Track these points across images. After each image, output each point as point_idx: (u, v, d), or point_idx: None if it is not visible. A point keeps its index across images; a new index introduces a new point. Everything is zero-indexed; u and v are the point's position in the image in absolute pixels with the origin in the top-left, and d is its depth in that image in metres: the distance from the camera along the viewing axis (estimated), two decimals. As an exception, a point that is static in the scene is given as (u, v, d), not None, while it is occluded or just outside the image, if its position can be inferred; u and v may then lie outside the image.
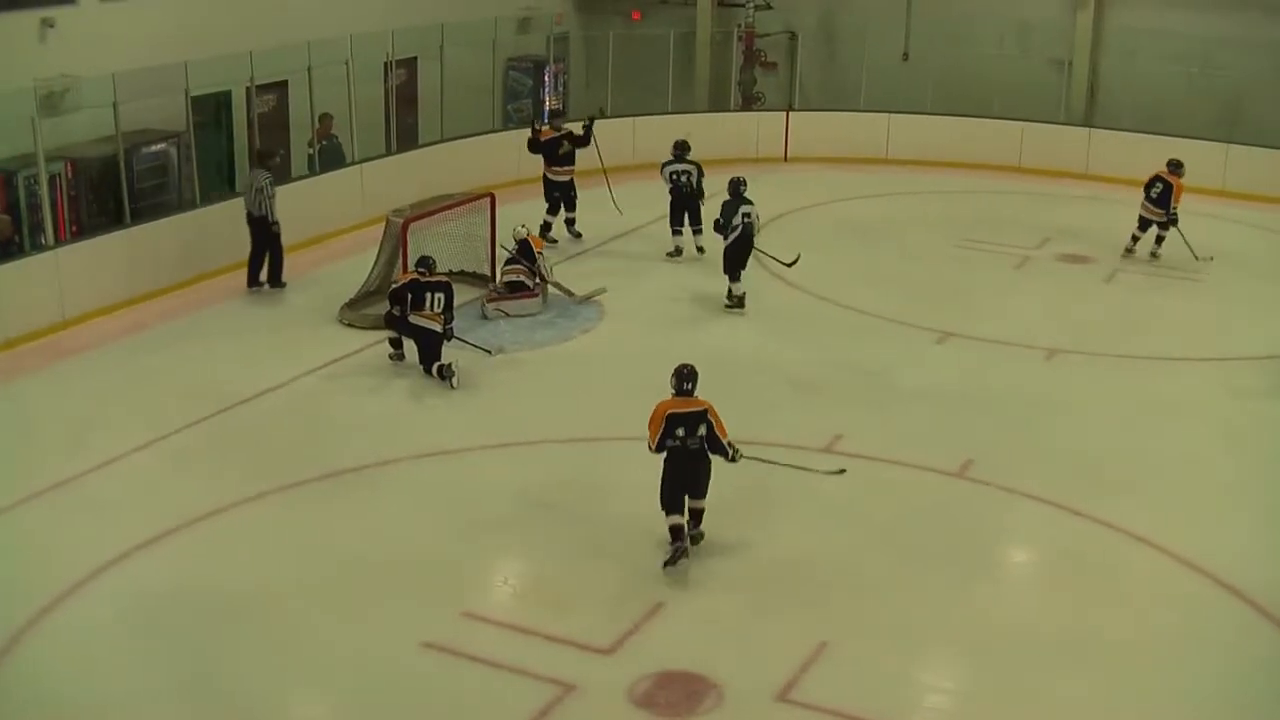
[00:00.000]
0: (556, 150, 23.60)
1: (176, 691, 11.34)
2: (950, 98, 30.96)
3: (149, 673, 11.56)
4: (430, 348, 17.68)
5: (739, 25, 32.91)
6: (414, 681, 11.50)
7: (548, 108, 30.09)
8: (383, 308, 18.89)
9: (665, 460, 13.40)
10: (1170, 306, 21.39)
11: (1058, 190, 27.88)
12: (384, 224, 20.09)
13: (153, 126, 21.91)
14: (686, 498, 13.48)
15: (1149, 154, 26.51)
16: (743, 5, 32.84)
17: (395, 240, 19.37)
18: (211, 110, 23.29)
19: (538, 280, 20.07)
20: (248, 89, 22.76)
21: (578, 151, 23.69)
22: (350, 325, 19.18)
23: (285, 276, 20.88)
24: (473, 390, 17.41)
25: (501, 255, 20.42)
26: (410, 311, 17.61)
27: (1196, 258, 22.96)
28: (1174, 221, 23.14)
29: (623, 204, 24.18)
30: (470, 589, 12.95)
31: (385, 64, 25.36)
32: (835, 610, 12.71)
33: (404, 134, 26.42)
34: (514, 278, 20.09)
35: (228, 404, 16.64)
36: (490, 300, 19.88)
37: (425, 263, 17.93)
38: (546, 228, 23.26)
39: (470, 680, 11.48)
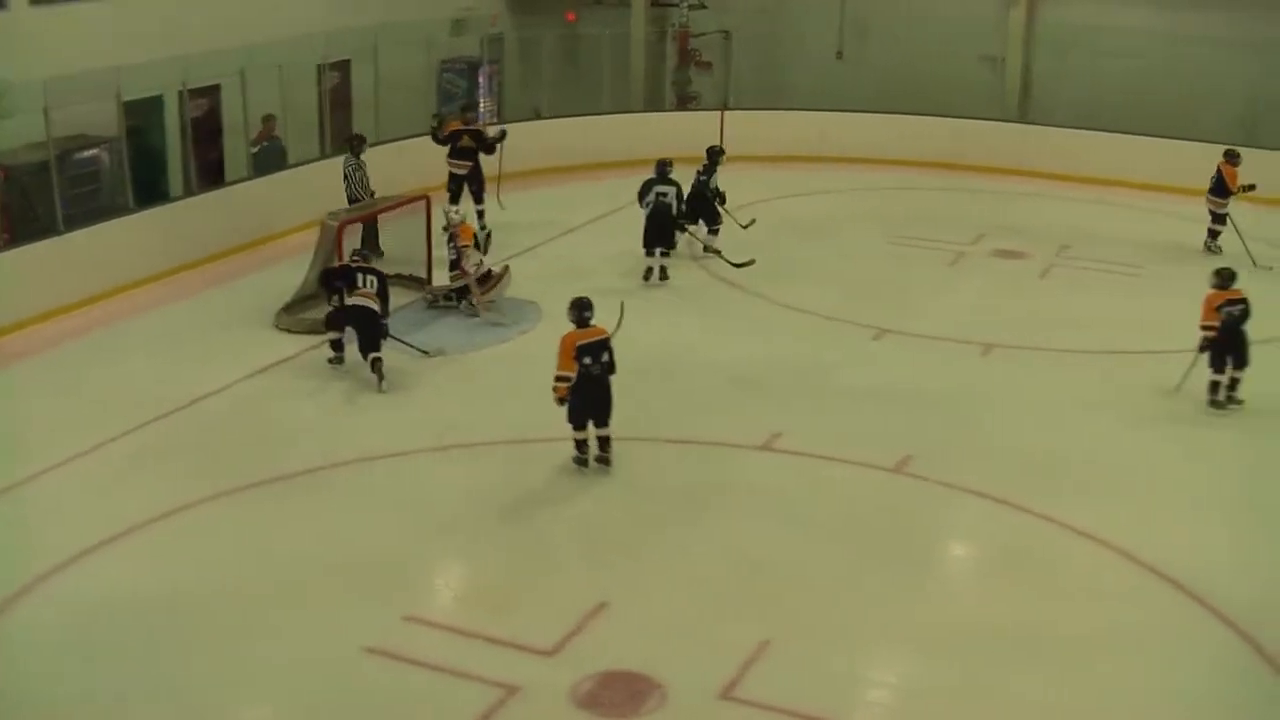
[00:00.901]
0: (456, 143, 23.71)
1: (121, 695, 11.28)
2: (885, 95, 31.06)
3: (94, 677, 11.46)
4: (369, 332, 17.62)
5: (673, 25, 32.97)
6: (357, 685, 11.44)
7: (482, 108, 30.06)
8: (320, 311, 18.83)
9: (573, 386, 14.96)
10: (1107, 301, 21.54)
11: (993, 186, 28.02)
12: (319, 227, 19.99)
13: (85, 132, 21.73)
14: (592, 424, 15.21)
15: (1084, 149, 26.78)
16: (677, 5, 32.89)
17: (331, 243, 19.26)
18: (144, 115, 23.11)
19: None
20: (181, 93, 22.60)
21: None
22: (287, 330, 19.07)
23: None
24: (413, 392, 17.37)
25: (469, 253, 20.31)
26: (346, 293, 17.62)
27: (1255, 265, 22.91)
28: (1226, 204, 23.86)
29: (559, 206, 24.20)
30: (413, 592, 12.91)
31: (319, 66, 25.25)
32: (777, 608, 12.72)
33: (338, 137, 26.30)
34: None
35: (168, 409, 16.51)
36: (480, 303, 19.88)
37: (361, 253, 18.10)
38: (479, 216, 23.31)
39: (413, 684, 11.43)
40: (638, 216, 22.32)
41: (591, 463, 15.41)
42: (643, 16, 32.72)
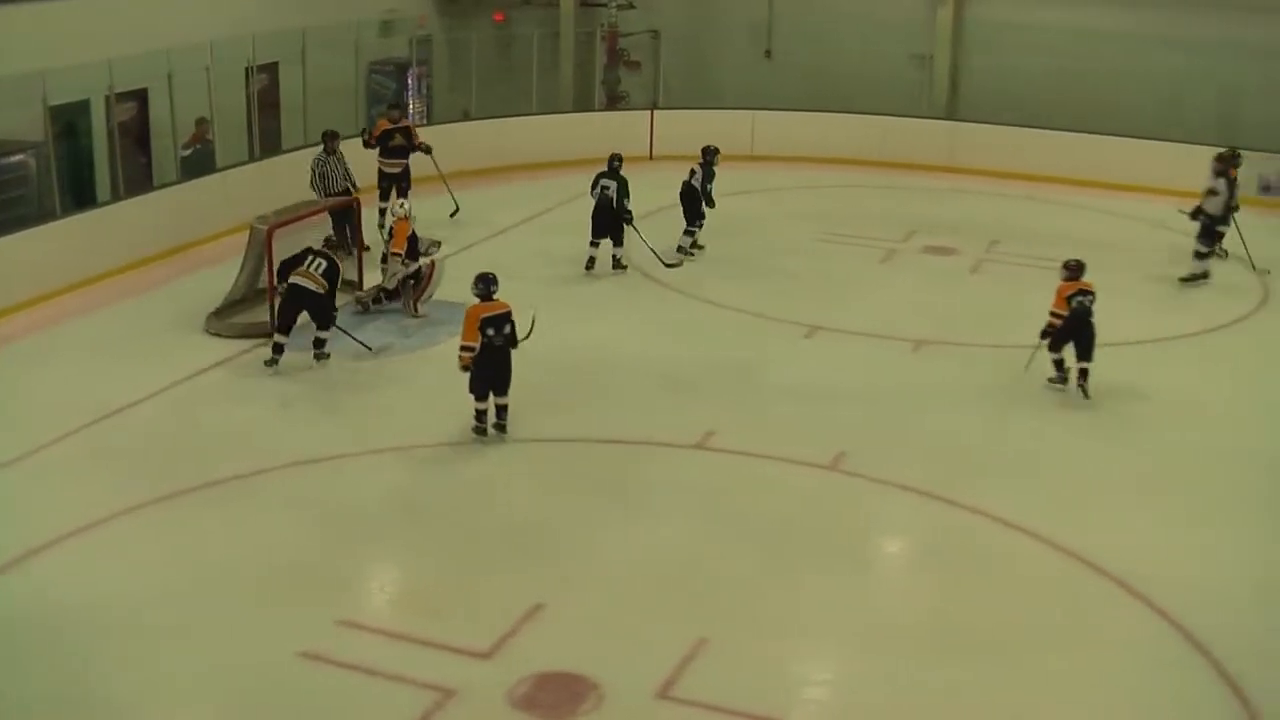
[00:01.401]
0: (388, 142, 23.71)
1: (51, 704, 11.18)
2: (814, 94, 31.17)
3: (23, 685, 11.36)
4: (315, 315, 17.80)
5: (602, 25, 32.97)
6: (291, 691, 11.39)
7: (412, 109, 29.99)
8: (250, 316, 18.78)
9: (476, 357, 15.67)
10: (1036, 296, 21.57)
11: (922, 183, 28.16)
12: (248, 231, 19.89)
13: (10, 137, 21.54)
14: (492, 394, 15.87)
15: (1011, 145, 26.95)
16: (605, 5, 32.90)
17: (260, 248, 19.18)
18: (71, 120, 22.93)
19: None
20: (108, 97, 22.46)
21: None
22: (217, 335, 18.94)
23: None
24: (345, 396, 17.32)
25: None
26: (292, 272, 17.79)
27: (1255, 269, 23.26)
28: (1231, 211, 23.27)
29: (490, 206, 24.19)
30: (346, 596, 12.85)
31: (247, 69, 25.12)
32: (714, 607, 12.74)
33: (267, 139, 26.18)
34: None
35: (97, 416, 16.37)
36: (415, 304, 19.89)
37: (331, 240, 18.48)
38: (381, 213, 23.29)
39: (348, 688, 11.38)
40: (569, 216, 22.33)
41: (490, 430, 15.97)
42: (571, 16, 32.72)
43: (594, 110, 32.28)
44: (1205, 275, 22.76)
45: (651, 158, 29.48)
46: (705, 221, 23.28)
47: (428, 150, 23.68)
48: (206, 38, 23.62)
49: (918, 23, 32.06)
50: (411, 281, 19.87)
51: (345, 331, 18.22)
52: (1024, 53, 30.78)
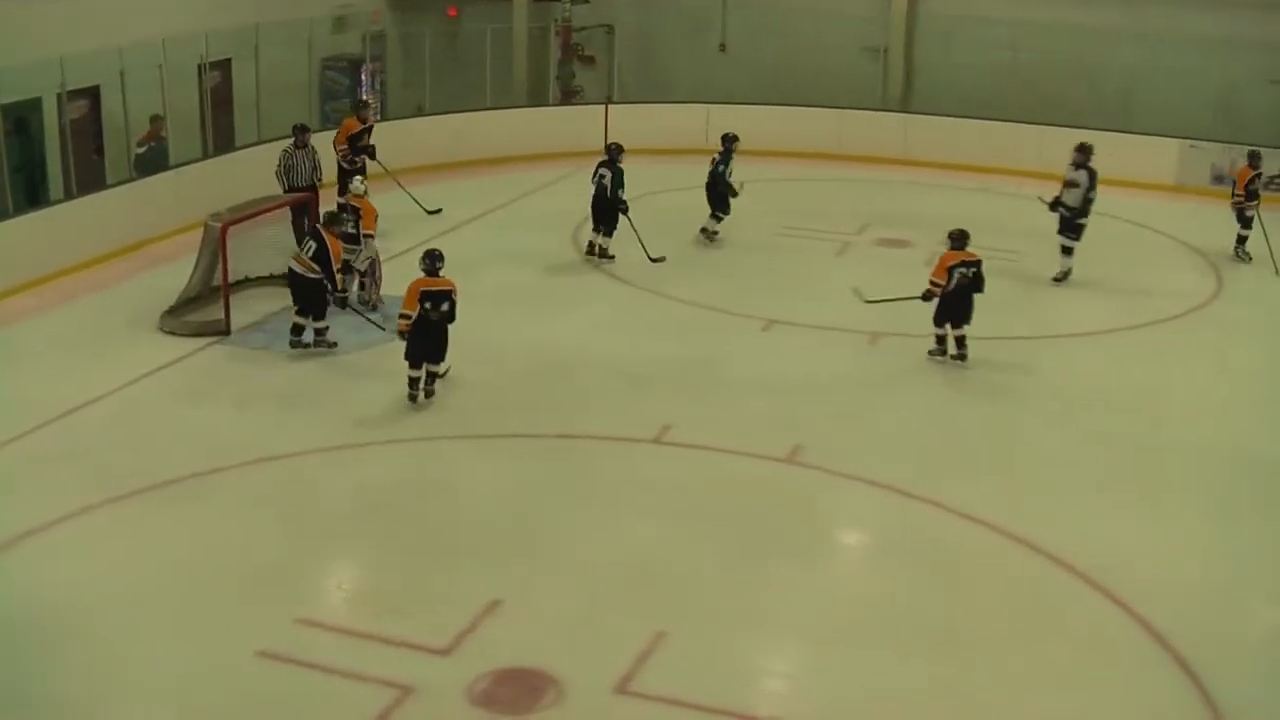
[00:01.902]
0: (357, 142, 23.79)
1: (8, 705, 11.09)
2: (769, 87, 31.24)
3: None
4: (308, 303, 18.06)
5: (556, 20, 32.97)
6: (250, 690, 11.35)
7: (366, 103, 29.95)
8: (205, 314, 18.73)
9: (414, 328, 16.42)
10: (989, 287, 21.69)
11: (876, 176, 28.25)
12: (202, 229, 19.80)
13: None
14: (426, 363, 16.66)
15: (965, 138, 27.06)
16: (559, 0, 32.88)
17: (214, 245, 19.11)
18: (23, 118, 22.79)
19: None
20: (59, 95, 22.34)
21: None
22: (172, 333, 18.85)
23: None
24: (302, 394, 17.25)
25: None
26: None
27: (1277, 272, 23.32)
28: (1245, 205, 24.03)
29: (445, 201, 24.19)
30: (304, 594, 12.81)
31: (199, 66, 25.02)
32: (672, 601, 12.75)
33: (220, 137, 26.08)
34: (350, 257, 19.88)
35: (52, 416, 16.25)
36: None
37: (331, 212, 19.02)
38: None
39: (307, 686, 11.35)
40: (525, 211, 22.31)
41: (421, 397, 16.79)
42: (525, 11, 32.68)
43: (548, 105, 32.28)
44: (1067, 274, 22.58)
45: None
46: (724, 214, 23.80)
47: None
48: (159, 35, 23.50)
49: (872, 16, 32.16)
50: (366, 272, 19.81)
51: (359, 312, 18.65)
52: (978, 46, 30.92)
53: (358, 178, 20.68)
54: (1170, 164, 29.36)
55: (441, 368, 17.02)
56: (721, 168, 23.69)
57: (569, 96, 33.03)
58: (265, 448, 15.58)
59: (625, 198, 22.40)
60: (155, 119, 23.92)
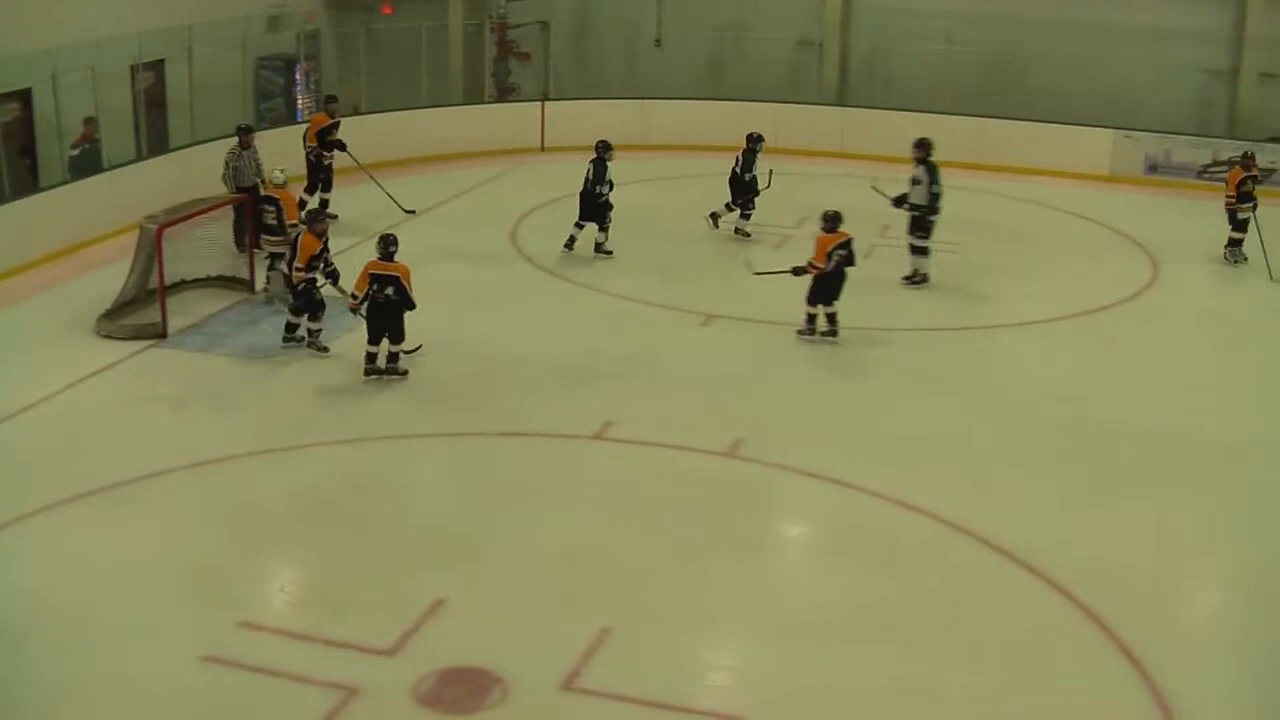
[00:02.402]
0: (326, 137, 23.89)
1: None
2: (705, 82, 31.29)
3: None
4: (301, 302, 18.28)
5: (490, 16, 32.94)
6: (194, 695, 11.27)
7: (300, 105, 29.83)
8: (141, 317, 18.62)
9: (369, 308, 17.16)
10: (930, 278, 21.86)
11: (814, 169, 28.26)
12: (138, 231, 19.66)
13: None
14: (387, 340, 17.28)
15: (901, 130, 27.04)
16: (494, -4, 32.89)
17: (150, 248, 18.97)
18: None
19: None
20: (-9, 98, 22.19)
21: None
22: (109, 337, 18.71)
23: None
24: (240, 396, 17.14)
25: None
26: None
27: (1272, 277, 22.86)
28: (1237, 207, 23.62)
29: (378, 200, 24.21)
30: (247, 598, 12.72)
31: (133, 67, 24.86)
32: (616, 597, 12.75)
33: (155, 138, 25.90)
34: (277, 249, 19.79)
35: (-13, 422, 16.18)
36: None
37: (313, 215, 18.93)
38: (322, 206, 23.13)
39: (252, 690, 11.29)
40: (462, 209, 22.25)
41: (383, 374, 17.38)
42: (460, 8, 32.63)
43: (484, 102, 32.20)
44: (925, 278, 22.11)
45: (544, 149, 29.49)
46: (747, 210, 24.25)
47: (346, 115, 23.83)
48: (91, 36, 23.32)
49: (807, 9, 32.25)
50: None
51: (339, 290, 18.29)
52: (912, 38, 31.08)
53: (278, 169, 20.41)
54: (1104, 154, 29.61)
55: (407, 346, 17.45)
56: (740, 166, 24.08)
57: (505, 93, 33.00)
58: (204, 450, 15.47)
59: (605, 191, 22.54)
60: (88, 121, 23.73)
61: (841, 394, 17.60)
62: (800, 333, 18.93)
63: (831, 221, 18.70)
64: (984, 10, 30.65)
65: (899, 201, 22.31)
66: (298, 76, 30.43)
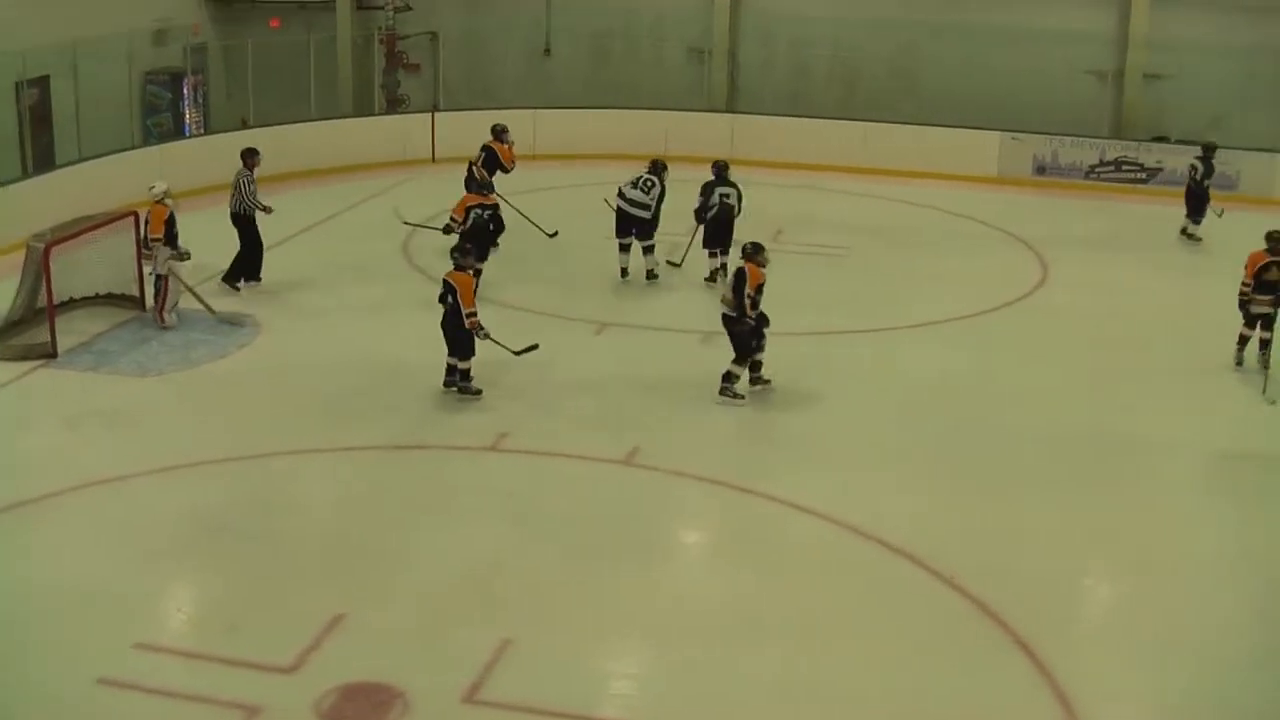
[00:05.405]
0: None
1: None
2: (596, 91, 31.35)
3: None
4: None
5: (379, 28, 32.88)
6: (91, 719, 11.19)
7: (188, 119, 29.63)
8: (30, 337, 18.43)
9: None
10: (820, 282, 22.03)
11: (703, 177, 28.28)
12: (25, 250, 19.44)
13: None
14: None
15: (790, 137, 27.36)
16: (382, 8, 32.84)
17: (37, 267, 18.76)
18: None
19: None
20: None
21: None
22: (-3, 358, 18.51)
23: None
24: (130, 415, 16.97)
25: None
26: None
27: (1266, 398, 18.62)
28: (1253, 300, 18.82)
29: (273, 214, 23.95)
30: (142, 619, 12.58)
31: (17, 84, 24.59)
32: (516, 608, 12.75)
33: (40, 155, 25.63)
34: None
35: None
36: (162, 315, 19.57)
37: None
38: None
39: (150, 712, 11.18)
40: (353, 222, 22.12)
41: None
42: (349, 20, 32.55)
43: (374, 114, 32.10)
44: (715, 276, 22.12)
45: (434, 160, 29.41)
46: None
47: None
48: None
49: (696, 17, 32.40)
50: (156, 288, 19.59)
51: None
52: (800, 44, 31.32)
53: (159, 182, 20.15)
54: (992, 156, 30.01)
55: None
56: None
57: (394, 105, 32.93)
58: (97, 470, 15.31)
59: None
60: None
61: (732, 401, 17.66)
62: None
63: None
64: (872, 16, 30.97)
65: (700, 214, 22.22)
66: (185, 91, 30.19)
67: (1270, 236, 18.85)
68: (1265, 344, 18.96)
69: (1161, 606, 13.37)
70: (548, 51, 33.51)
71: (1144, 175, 30.03)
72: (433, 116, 30.48)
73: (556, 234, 23.67)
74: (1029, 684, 11.81)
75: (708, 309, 19.76)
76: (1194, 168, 25.87)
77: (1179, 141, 30.24)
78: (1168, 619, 13.10)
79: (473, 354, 17.24)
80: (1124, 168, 30.14)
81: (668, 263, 22.37)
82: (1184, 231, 25.84)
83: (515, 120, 29.08)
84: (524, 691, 11.44)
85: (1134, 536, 14.66)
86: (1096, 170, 30.07)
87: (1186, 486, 15.90)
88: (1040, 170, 30.16)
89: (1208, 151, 25.88)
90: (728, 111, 31.73)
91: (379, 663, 11.76)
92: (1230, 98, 30.44)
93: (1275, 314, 18.86)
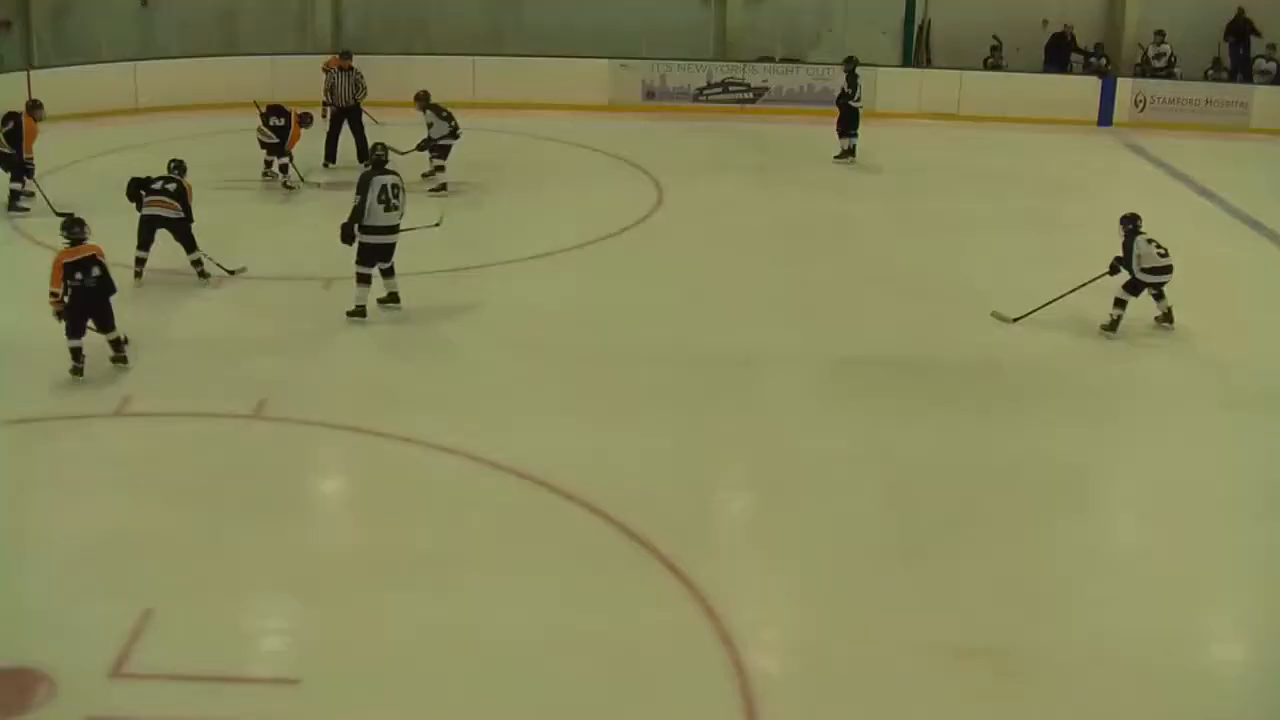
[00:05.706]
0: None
1: None
2: (200, 39, 30.77)
3: None
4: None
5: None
6: None
7: None
8: None
9: (69, 299, 15.78)
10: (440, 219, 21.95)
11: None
12: None
13: None
14: (93, 325, 16.13)
15: (405, 75, 27.14)
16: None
17: None
18: None
19: None
20: None
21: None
22: None
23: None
24: None
25: None
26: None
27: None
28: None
29: None
30: None
31: None
32: (152, 576, 12.39)
33: None
34: None
35: None
36: None
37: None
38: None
39: None
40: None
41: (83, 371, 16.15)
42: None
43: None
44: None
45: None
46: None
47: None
48: None
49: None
50: None
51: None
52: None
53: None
54: (603, 84, 30.40)
55: (120, 333, 16.45)
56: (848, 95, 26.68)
57: (-13, 64, 31.67)
58: None
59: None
60: None
61: (360, 344, 17.56)
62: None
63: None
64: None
65: (422, 146, 23.04)
66: None
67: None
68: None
69: (789, 508, 13.91)
70: (144, 2, 32.65)
71: (751, 95, 30.79)
72: (28, 75, 29.20)
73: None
74: (676, 598, 12.09)
75: (329, 253, 19.46)
76: (843, 89, 26.73)
77: (783, 60, 31.10)
78: (795, 519, 13.65)
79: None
80: (731, 89, 30.86)
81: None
82: (845, 152, 26.63)
83: (116, 75, 28.67)
84: (172, 660, 11.20)
85: (757, 445, 15.17)
86: (705, 93, 30.71)
87: (806, 394, 16.47)
88: (650, 95, 30.68)
89: (850, 67, 26.71)
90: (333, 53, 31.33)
91: (16, 646, 11.33)
92: (830, 17, 31.49)
93: None
